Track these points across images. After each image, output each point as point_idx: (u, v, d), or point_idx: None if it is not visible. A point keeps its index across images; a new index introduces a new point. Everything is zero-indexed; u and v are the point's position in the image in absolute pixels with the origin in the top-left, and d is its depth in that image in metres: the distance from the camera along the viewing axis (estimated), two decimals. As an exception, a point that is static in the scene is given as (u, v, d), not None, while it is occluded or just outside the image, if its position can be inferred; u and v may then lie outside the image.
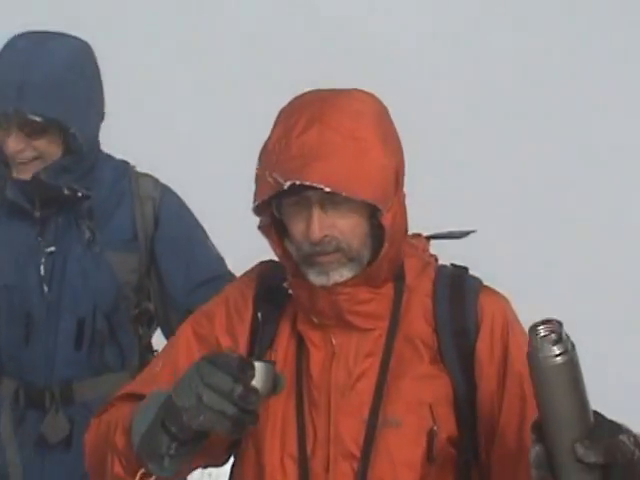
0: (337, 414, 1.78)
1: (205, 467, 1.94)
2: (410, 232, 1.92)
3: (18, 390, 2.42)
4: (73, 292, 2.45)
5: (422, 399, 1.78)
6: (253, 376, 1.62)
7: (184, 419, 1.62)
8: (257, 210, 1.80)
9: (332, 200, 1.72)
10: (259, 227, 1.83)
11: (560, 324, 1.52)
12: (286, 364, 1.84)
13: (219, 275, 2.53)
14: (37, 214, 2.43)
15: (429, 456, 1.76)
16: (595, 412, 1.54)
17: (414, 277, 1.88)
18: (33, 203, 2.42)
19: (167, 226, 2.56)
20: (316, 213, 1.74)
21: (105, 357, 2.49)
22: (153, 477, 1.71)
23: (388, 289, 1.84)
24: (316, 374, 1.81)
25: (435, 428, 1.76)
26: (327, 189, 1.67)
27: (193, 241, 2.60)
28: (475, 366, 1.82)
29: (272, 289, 1.90)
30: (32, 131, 2.35)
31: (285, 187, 1.68)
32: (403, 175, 1.82)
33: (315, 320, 1.82)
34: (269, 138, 1.78)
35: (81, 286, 2.45)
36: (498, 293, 1.89)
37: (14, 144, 2.35)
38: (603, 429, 1.53)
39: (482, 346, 1.81)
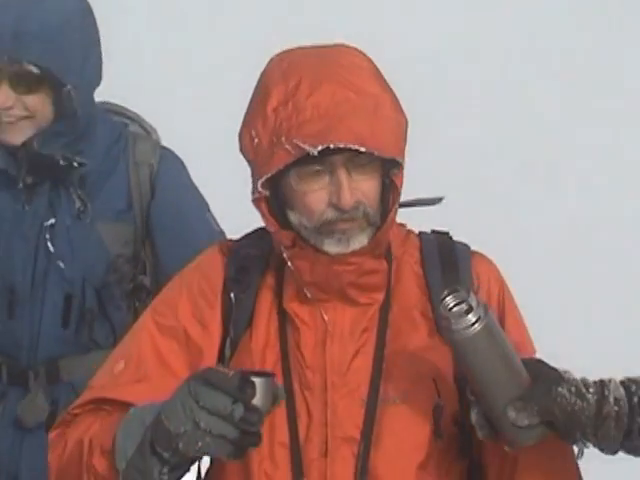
0: (334, 395, 1.70)
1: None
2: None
3: (0, 367, 2.33)
4: (61, 265, 2.33)
5: (424, 373, 1.72)
6: (254, 395, 1.52)
7: (180, 446, 1.52)
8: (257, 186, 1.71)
9: (355, 163, 1.67)
10: (253, 200, 1.73)
11: (468, 291, 1.52)
12: (268, 345, 1.75)
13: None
14: (23, 182, 2.32)
15: (437, 433, 1.70)
16: (536, 362, 1.56)
17: (398, 246, 1.84)
18: (20, 170, 2.31)
19: (164, 196, 2.43)
20: (345, 178, 1.67)
21: (95, 334, 2.37)
22: None
23: (383, 260, 1.78)
24: (308, 354, 1.73)
25: (441, 403, 1.70)
26: (362, 149, 1.61)
27: (191, 214, 2.48)
28: None
29: (242, 268, 1.81)
30: (24, 86, 2.24)
31: (315, 152, 1.60)
32: None
33: (308, 294, 1.73)
34: (264, 101, 1.70)
35: (69, 259, 2.34)
36: (488, 258, 1.88)
37: (3, 98, 2.23)
38: (539, 385, 1.53)
39: None
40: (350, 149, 1.62)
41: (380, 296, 1.76)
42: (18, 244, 2.32)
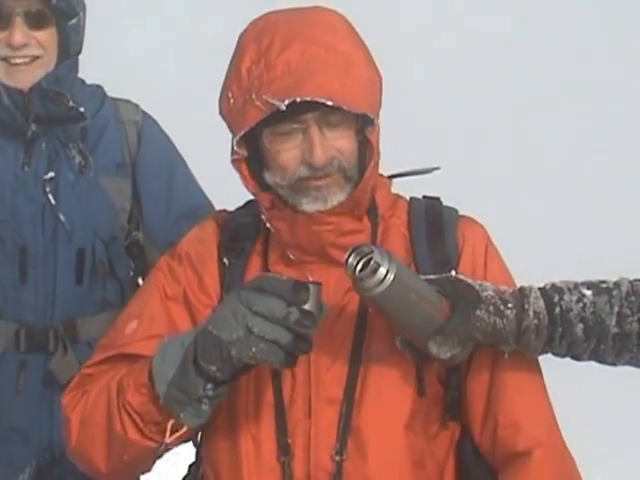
0: (317, 355, 1.70)
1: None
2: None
3: (18, 333, 2.32)
4: (70, 221, 2.33)
5: None
6: (308, 299, 1.55)
7: (233, 353, 1.55)
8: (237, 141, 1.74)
9: (328, 121, 1.69)
10: (232, 161, 1.76)
11: (370, 247, 1.54)
12: None
13: (199, 205, 2.47)
14: (32, 129, 2.31)
15: (419, 390, 1.73)
16: (452, 282, 1.62)
17: (387, 209, 1.86)
18: (28, 116, 2.30)
19: (149, 149, 2.47)
20: (317, 136, 1.69)
21: (106, 292, 2.40)
22: (184, 429, 1.61)
23: (366, 222, 1.81)
24: None
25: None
26: (329, 102, 1.63)
27: (174, 167, 2.53)
28: None
29: (235, 234, 1.85)
30: (35, 22, 2.27)
31: (283, 107, 1.62)
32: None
33: (292, 257, 1.77)
34: (239, 62, 1.73)
35: (78, 214, 2.34)
36: (476, 221, 1.90)
37: (20, 36, 2.25)
38: (457, 314, 1.59)
39: (464, 272, 1.78)
40: (321, 106, 1.63)
41: None
42: (24, 206, 2.32)
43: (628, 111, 4.66)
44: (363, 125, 1.73)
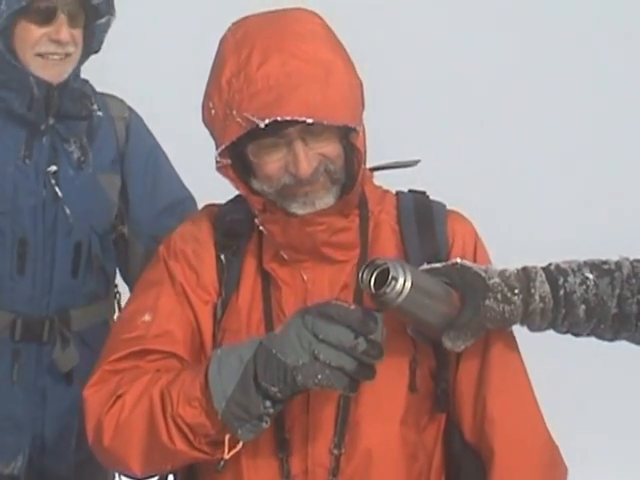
0: None
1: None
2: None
3: (14, 323, 2.37)
4: (69, 215, 2.39)
5: (399, 328, 1.75)
6: (376, 329, 1.57)
7: (298, 379, 1.57)
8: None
9: (311, 131, 1.69)
10: (217, 168, 1.78)
11: (383, 260, 1.58)
12: (253, 304, 1.80)
13: (182, 199, 2.56)
14: (49, 123, 2.38)
15: (412, 386, 1.76)
16: (459, 272, 1.66)
17: (376, 204, 1.88)
18: (48, 110, 2.37)
19: (136, 144, 2.55)
20: (301, 149, 1.70)
21: (97, 284, 2.48)
22: (240, 444, 1.62)
23: (354, 218, 1.83)
24: (289, 312, 1.75)
25: (417, 357, 1.76)
26: (309, 120, 1.63)
27: (159, 160, 2.62)
28: None
29: (229, 230, 1.86)
30: (74, 21, 2.35)
31: (262, 125, 1.63)
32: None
33: (285, 256, 1.79)
34: (219, 73, 1.73)
35: (77, 208, 2.40)
36: (464, 216, 1.93)
37: (65, 33, 2.33)
38: (467, 307, 1.65)
39: None
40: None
41: (355, 252, 1.80)
42: (25, 198, 2.37)
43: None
44: (347, 131, 1.75)
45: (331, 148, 1.73)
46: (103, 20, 2.41)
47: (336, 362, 1.56)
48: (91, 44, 2.43)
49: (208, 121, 1.74)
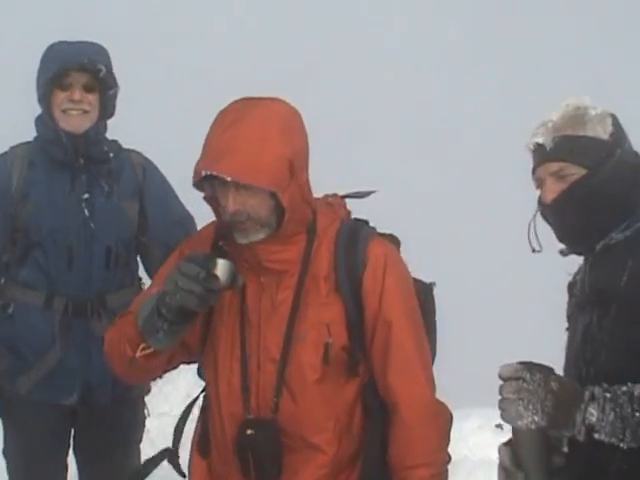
0: (264, 330, 2.29)
1: (189, 363, 2.53)
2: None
3: (67, 304, 3.22)
4: (103, 228, 3.24)
5: (322, 320, 2.26)
6: (215, 265, 2.09)
7: (167, 299, 2.11)
8: (199, 185, 2.26)
9: (243, 185, 2.14)
10: (204, 198, 2.31)
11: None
12: (234, 295, 2.32)
13: (185, 216, 3.41)
14: (80, 162, 3.20)
15: (325, 360, 2.26)
16: (565, 401, 1.90)
17: (323, 229, 2.30)
18: (78, 154, 3.20)
19: (151, 181, 3.39)
20: (231, 193, 2.16)
21: (124, 276, 3.33)
22: (151, 349, 2.21)
23: (300, 240, 2.27)
24: (251, 302, 2.31)
25: (330, 341, 2.25)
26: (228, 179, 2.11)
27: (167, 190, 3.46)
28: (362, 295, 2.27)
29: (222, 238, 2.34)
30: (88, 88, 3.16)
31: (203, 175, 2.16)
32: (302, 164, 2.23)
33: (246, 265, 2.29)
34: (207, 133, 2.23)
35: (107, 224, 3.26)
36: (386, 242, 2.33)
37: (78, 94, 3.15)
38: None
39: (367, 281, 2.27)
40: None
41: (296, 265, 2.27)
42: (70, 217, 3.22)
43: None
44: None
45: (255, 200, 2.15)
46: (111, 92, 3.21)
47: (187, 286, 2.05)
48: (107, 109, 3.24)
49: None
